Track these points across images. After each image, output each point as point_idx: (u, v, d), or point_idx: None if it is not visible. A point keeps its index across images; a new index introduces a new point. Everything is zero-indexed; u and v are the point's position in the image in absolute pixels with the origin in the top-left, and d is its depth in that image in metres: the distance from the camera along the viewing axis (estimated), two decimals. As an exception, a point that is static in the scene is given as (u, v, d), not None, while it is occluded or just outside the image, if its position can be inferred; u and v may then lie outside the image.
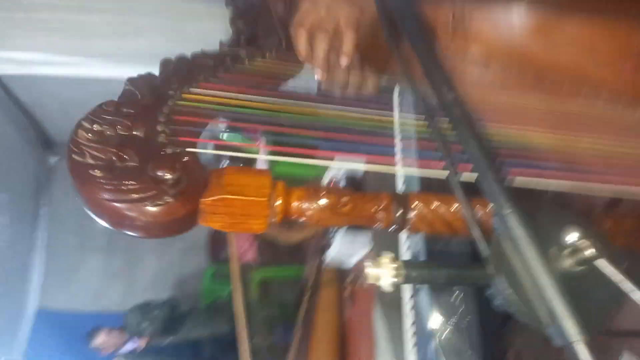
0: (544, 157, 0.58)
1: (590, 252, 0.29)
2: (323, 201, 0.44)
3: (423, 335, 0.60)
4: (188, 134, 0.48)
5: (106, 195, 0.40)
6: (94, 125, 0.45)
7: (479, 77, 0.81)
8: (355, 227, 1.68)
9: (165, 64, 0.58)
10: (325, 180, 2.01)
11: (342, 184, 1.86)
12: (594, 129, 0.68)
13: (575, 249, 0.30)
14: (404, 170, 0.51)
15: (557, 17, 0.73)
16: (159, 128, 0.47)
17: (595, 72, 0.74)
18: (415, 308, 0.53)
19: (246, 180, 0.43)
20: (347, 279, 1.64)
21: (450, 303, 0.68)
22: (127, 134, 0.46)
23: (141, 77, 0.54)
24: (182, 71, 0.57)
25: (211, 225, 0.42)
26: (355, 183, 1.73)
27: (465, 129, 0.36)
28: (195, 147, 0.47)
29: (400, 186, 0.68)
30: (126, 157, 0.43)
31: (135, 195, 0.40)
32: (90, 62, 1.66)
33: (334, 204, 0.44)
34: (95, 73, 1.66)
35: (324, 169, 2.21)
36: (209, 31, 1.68)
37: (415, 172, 0.51)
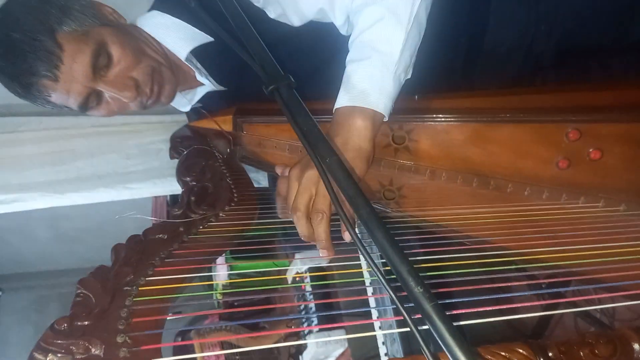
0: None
1: None
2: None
3: None
4: (150, 339, 0.46)
5: None
6: (48, 356, 0.42)
7: (426, 186, 0.84)
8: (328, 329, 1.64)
9: (117, 250, 0.57)
10: (289, 275, 1.97)
11: (307, 278, 1.84)
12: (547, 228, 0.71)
13: None
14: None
15: (488, 126, 0.78)
16: (119, 339, 0.45)
17: (531, 171, 0.78)
18: None
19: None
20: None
21: None
22: (84, 356, 0.43)
23: (93, 276, 0.52)
24: (135, 256, 0.55)
25: None
26: (320, 277, 1.71)
27: (438, 326, 0.36)
28: (160, 356, 0.45)
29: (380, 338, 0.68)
30: (87, 390, 0.40)
31: None
32: (26, 197, 1.60)
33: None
34: (32, 206, 1.60)
35: (286, 262, 2.18)
36: (151, 142, 1.67)
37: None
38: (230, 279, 2.35)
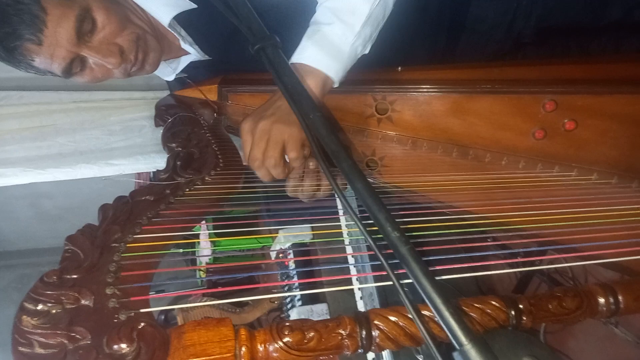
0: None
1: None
2: (288, 340, 0.44)
3: None
4: (139, 291, 0.47)
5: (62, 390, 0.38)
6: (39, 306, 0.43)
7: (408, 156, 0.86)
8: (312, 300, 1.67)
9: (104, 210, 0.57)
10: (273, 253, 2.00)
11: (290, 254, 1.86)
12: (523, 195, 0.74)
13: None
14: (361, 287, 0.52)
15: (468, 97, 0.80)
16: (109, 291, 0.46)
17: (509, 141, 0.81)
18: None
19: (207, 336, 0.43)
20: None
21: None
22: (75, 306, 0.44)
23: (81, 233, 0.53)
24: (122, 216, 0.56)
25: (178, 392, 0.41)
26: (303, 252, 1.74)
27: (413, 267, 0.38)
28: (148, 306, 0.46)
29: (360, 303, 0.70)
30: (78, 336, 0.41)
31: (94, 383, 0.38)
32: (7, 172, 1.58)
33: (299, 340, 0.45)
34: (13, 182, 1.58)
35: (269, 239, 2.20)
36: (133, 119, 1.66)
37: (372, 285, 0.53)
38: (214, 257, 2.37)
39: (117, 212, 0.56)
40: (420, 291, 0.38)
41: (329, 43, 0.70)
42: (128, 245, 0.52)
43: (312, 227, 0.69)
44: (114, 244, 0.52)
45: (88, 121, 1.63)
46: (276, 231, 1.81)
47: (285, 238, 1.82)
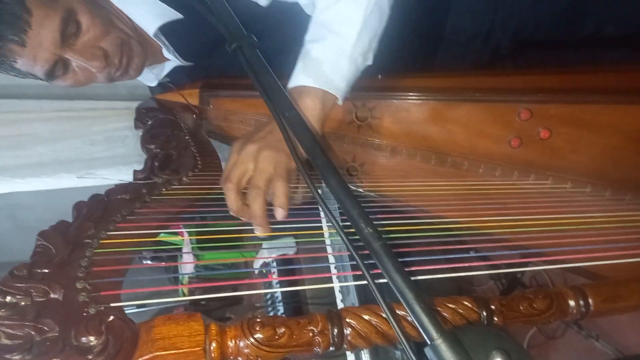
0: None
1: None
2: (259, 336, 0.44)
3: None
4: (110, 286, 0.47)
5: (27, 381, 0.37)
6: (7, 298, 0.43)
7: (387, 163, 0.87)
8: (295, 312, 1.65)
9: (78, 207, 0.57)
10: (256, 266, 1.98)
11: (274, 267, 1.85)
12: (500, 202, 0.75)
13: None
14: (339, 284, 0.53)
15: (447, 105, 0.82)
16: (79, 285, 0.46)
17: (486, 149, 0.82)
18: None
19: (177, 330, 0.42)
20: None
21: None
22: (44, 299, 0.44)
23: (53, 229, 0.52)
24: (97, 213, 0.56)
25: (145, 386, 0.40)
26: (286, 262, 1.73)
27: (385, 263, 0.38)
28: (119, 300, 0.46)
29: (338, 300, 0.70)
30: (45, 328, 0.41)
31: (59, 374, 0.38)
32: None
33: (270, 336, 0.45)
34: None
35: (253, 253, 2.18)
36: (116, 129, 1.65)
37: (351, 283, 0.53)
38: (197, 272, 2.34)
39: (91, 209, 0.56)
40: (392, 286, 0.38)
41: (325, 59, 0.67)
42: (101, 241, 0.52)
43: (294, 235, 0.68)
44: (86, 240, 0.52)
45: (69, 130, 1.62)
46: (260, 245, 1.79)
47: (268, 252, 1.81)
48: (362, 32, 0.68)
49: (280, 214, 0.58)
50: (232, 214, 0.60)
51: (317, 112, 0.67)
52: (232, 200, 0.60)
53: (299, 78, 0.68)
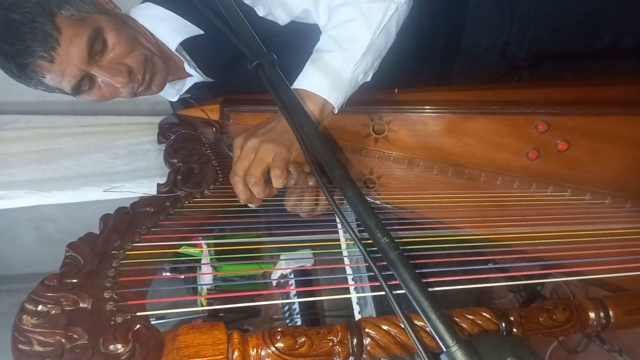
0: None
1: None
2: (279, 345, 0.45)
3: None
4: (136, 295, 0.48)
5: (58, 386, 0.39)
6: (39, 307, 0.45)
7: (405, 175, 0.88)
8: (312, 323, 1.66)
9: (105, 219, 0.59)
10: (274, 277, 1.99)
11: (292, 278, 1.86)
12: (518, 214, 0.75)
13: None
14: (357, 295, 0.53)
15: (463, 118, 0.82)
16: (106, 295, 0.47)
17: (503, 161, 0.83)
18: None
19: (201, 338, 0.44)
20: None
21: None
22: (73, 308, 0.46)
23: (81, 240, 0.54)
24: (122, 225, 0.58)
25: (171, 393, 0.42)
26: (304, 274, 1.73)
27: (402, 272, 0.39)
28: (145, 309, 0.47)
29: (356, 312, 0.71)
30: (75, 336, 0.42)
31: (88, 380, 0.39)
32: (12, 194, 1.59)
33: (291, 346, 0.45)
34: (18, 204, 1.59)
35: (271, 264, 2.19)
36: (138, 143, 1.68)
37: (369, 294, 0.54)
38: (215, 285, 2.36)
39: (117, 221, 0.58)
40: (408, 294, 0.39)
41: (330, 70, 0.72)
42: (127, 252, 0.54)
43: (312, 246, 0.69)
44: (113, 251, 0.53)
45: (93, 145, 1.66)
46: (278, 256, 1.81)
47: (286, 263, 1.82)
48: (367, 52, 0.72)
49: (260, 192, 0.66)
50: (242, 202, 0.67)
51: (315, 117, 0.72)
52: (240, 191, 0.66)
53: (304, 82, 0.72)
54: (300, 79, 0.73)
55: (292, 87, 0.73)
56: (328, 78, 0.72)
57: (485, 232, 0.73)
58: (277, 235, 0.74)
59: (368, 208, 0.41)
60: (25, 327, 0.42)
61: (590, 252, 0.62)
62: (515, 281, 0.76)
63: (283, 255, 1.80)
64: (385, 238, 0.40)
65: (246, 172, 0.65)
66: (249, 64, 0.56)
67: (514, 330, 0.51)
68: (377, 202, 0.84)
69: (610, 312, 0.54)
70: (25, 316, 0.43)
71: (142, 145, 1.64)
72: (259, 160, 0.65)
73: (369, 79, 0.77)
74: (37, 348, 0.41)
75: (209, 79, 0.95)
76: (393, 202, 0.84)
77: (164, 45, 0.88)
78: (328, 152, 0.45)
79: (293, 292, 1.81)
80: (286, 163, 0.66)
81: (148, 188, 1.66)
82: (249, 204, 0.68)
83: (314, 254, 1.00)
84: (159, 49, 0.87)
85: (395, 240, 0.40)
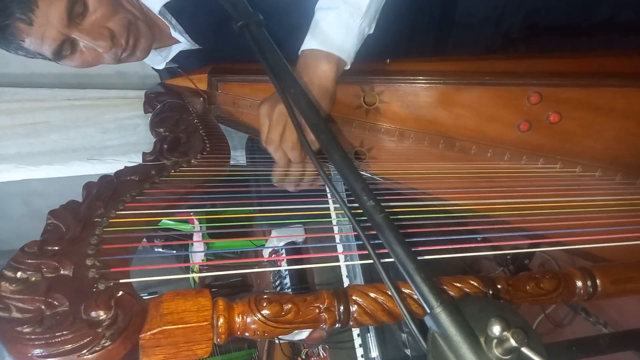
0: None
1: (512, 342, 0.32)
2: (265, 312, 0.45)
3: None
4: (119, 263, 0.48)
5: (38, 352, 0.38)
6: (18, 273, 0.44)
7: (395, 147, 0.87)
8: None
9: (88, 187, 0.58)
10: (265, 253, 2.00)
11: (283, 253, 1.86)
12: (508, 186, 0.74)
13: (500, 340, 0.33)
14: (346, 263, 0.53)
15: (455, 89, 0.81)
16: (89, 262, 0.46)
17: (495, 133, 0.82)
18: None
19: (185, 305, 0.43)
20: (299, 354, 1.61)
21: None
22: (54, 275, 0.45)
23: (64, 208, 0.53)
24: (106, 193, 0.57)
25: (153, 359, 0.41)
26: (296, 251, 1.74)
27: (387, 234, 0.38)
28: (128, 277, 0.46)
29: (344, 278, 0.70)
30: (55, 302, 0.41)
31: (69, 346, 0.38)
32: (0, 168, 1.57)
33: (277, 312, 0.45)
34: (5, 178, 1.57)
35: (262, 242, 2.20)
36: (128, 117, 1.66)
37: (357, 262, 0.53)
38: (207, 259, 2.36)
39: (101, 189, 0.57)
40: (393, 257, 0.38)
41: (338, 27, 0.72)
42: (111, 220, 0.53)
43: (303, 217, 0.69)
44: (96, 219, 0.52)
45: (82, 119, 1.63)
46: (269, 232, 1.81)
47: (277, 240, 1.82)
48: (371, 4, 0.71)
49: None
50: (279, 167, 0.73)
51: (333, 74, 0.73)
52: (280, 156, 0.72)
53: (314, 42, 0.72)
54: (310, 38, 0.73)
55: (303, 48, 0.73)
56: (339, 35, 0.72)
57: (475, 203, 0.72)
58: (268, 206, 0.74)
59: (354, 171, 0.40)
60: (4, 294, 0.41)
61: (578, 223, 0.62)
62: (502, 251, 0.76)
63: (274, 232, 1.80)
64: (371, 201, 0.39)
65: (282, 137, 0.67)
66: (234, 25, 0.54)
67: (502, 298, 0.51)
68: (367, 174, 0.84)
69: (598, 281, 0.54)
70: (3, 282, 0.42)
71: (131, 119, 1.61)
72: (291, 127, 0.67)
73: (372, 31, 0.77)
74: (16, 314, 0.40)
75: (196, 46, 0.93)
76: (383, 174, 0.83)
77: (148, 10, 0.86)
78: (315, 115, 0.43)
79: (284, 264, 1.82)
80: None
81: (138, 162, 1.64)
82: (285, 183, 0.72)
83: (304, 224, 1.00)
84: (143, 13, 0.84)
85: (381, 204, 0.39)
